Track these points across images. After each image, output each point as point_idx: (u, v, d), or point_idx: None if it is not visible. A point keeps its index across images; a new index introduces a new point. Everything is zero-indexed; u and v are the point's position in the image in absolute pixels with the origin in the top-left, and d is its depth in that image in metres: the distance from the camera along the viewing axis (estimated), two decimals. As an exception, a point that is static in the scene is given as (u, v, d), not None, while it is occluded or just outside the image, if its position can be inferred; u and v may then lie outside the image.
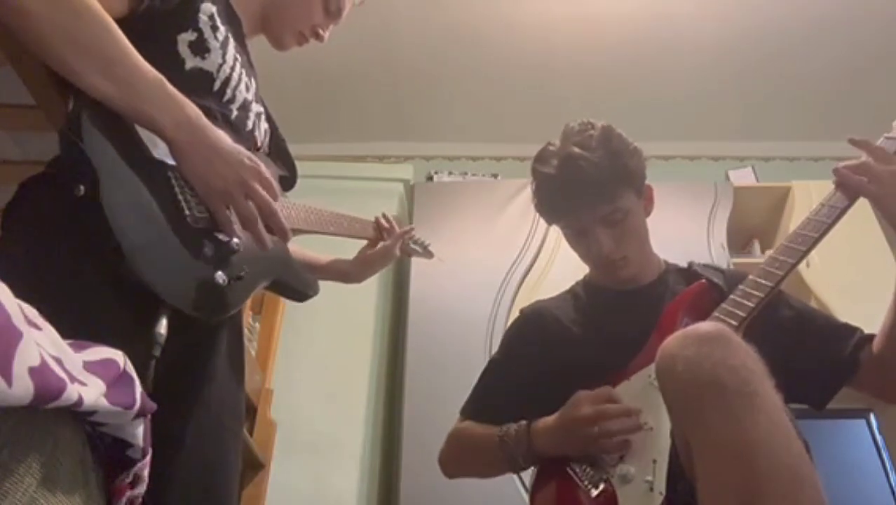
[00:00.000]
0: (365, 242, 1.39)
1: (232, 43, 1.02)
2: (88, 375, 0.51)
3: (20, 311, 0.44)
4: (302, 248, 1.29)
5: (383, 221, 1.39)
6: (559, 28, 2.71)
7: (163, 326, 0.79)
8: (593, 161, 1.16)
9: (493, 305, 2.45)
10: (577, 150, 1.18)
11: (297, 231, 1.17)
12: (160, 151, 0.86)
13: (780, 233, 2.77)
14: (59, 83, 0.86)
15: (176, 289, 0.80)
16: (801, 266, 2.42)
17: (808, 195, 2.65)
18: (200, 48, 0.95)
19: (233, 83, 1.01)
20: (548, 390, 1.15)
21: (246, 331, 1.14)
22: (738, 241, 2.84)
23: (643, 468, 0.95)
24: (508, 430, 1.13)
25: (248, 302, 1.02)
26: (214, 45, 0.97)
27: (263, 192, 0.89)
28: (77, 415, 0.51)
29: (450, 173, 3.18)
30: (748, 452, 0.70)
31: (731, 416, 0.73)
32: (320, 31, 1.21)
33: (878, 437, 2.25)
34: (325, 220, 1.26)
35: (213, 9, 0.99)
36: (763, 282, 1.03)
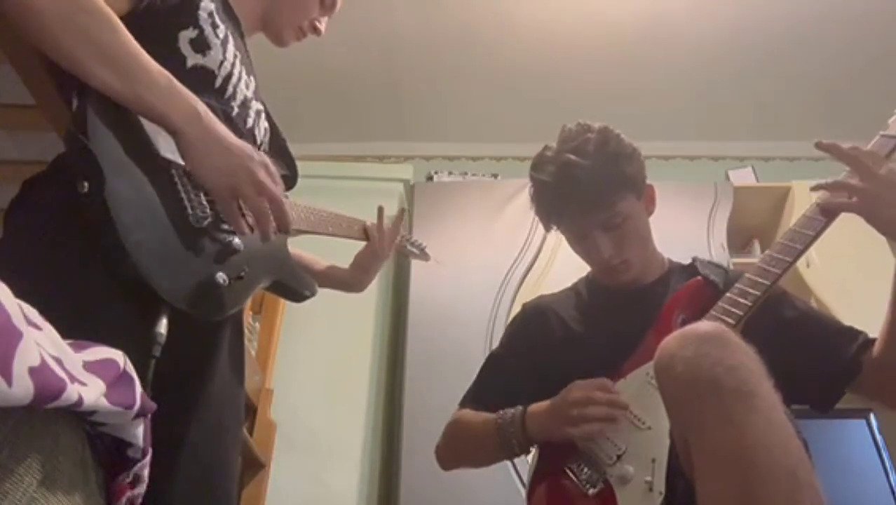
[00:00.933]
0: (363, 244, 1.38)
1: (232, 40, 1.02)
2: (88, 375, 0.51)
3: (20, 311, 0.44)
4: (299, 251, 1.29)
5: (384, 218, 1.37)
6: (559, 28, 2.71)
7: (163, 326, 0.79)
8: (589, 168, 1.16)
9: (493, 306, 2.45)
10: (572, 157, 1.17)
11: (296, 231, 1.17)
12: (165, 149, 0.86)
13: (780, 233, 2.72)
14: (60, 82, 0.87)
15: (177, 288, 0.80)
16: (801, 266, 2.43)
17: (808, 195, 2.63)
18: (201, 45, 0.96)
19: (233, 80, 1.01)
20: (546, 386, 1.15)
21: (246, 331, 1.14)
22: (738, 241, 2.84)
23: (642, 468, 0.95)
24: (505, 414, 1.14)
25: (248, 302, 1.02)
26: (215, 42, 0.97)
27: (273, 187, 0.89)
28: (77, 415, 0.51)
29: (450, 173, 3.18)
30: (746, 451, 0.70)
31: (729, 416, 0.72)
32: (318, 25, 1.22)
33: (878, 437, 2.25)
34: (324, 220, 1.26)
35: (212, 6, 0.99)
36: (760, 280, 1.03)
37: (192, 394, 0.92)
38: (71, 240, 0.79)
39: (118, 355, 0.57)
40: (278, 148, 1.18)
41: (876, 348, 1.09)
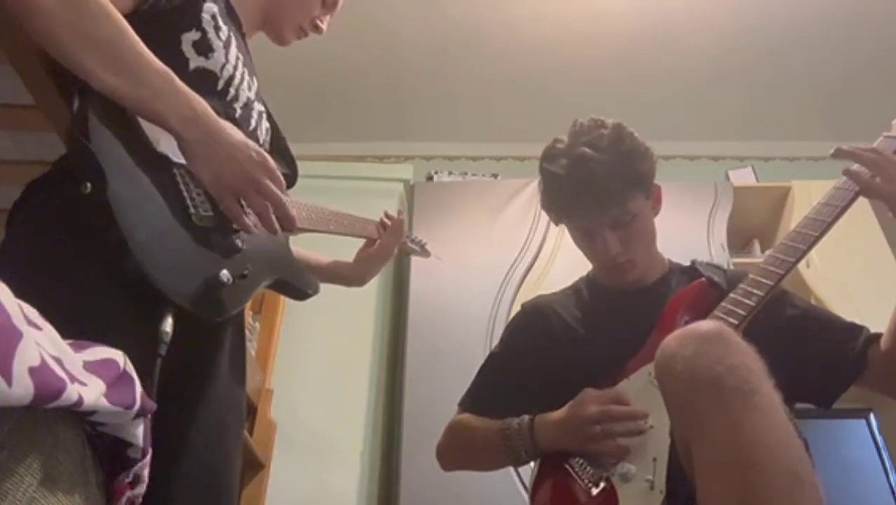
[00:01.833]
0: (362, 242, 1.39)
1: (234, 42, 1.02)
2: (88, 374, 0.51)
3: (20, 311, 0.44)
4: (302, 249, 1.29)
5: (385, 220, 1.39)
6: (559, 28, 2.71)
7: (168, 325, 0.79)
8: (604, 163, 1.15)
9: (493, 305, 2.45)
10: (587, 150, 1.16)
11: (298, 229, 1.18)
12: (167, 148, 0.86)
13: (780, 233, 2.77)
14: (61, 82, 0.87)
15: (180, 287, 0.80)
16: (801, 266, 2.43)
17: (808, 195, 2.65)
18: (204, 48, 0.96)
19: (236, 82, 1.01)
20: (547, 386, 1.15)
21: (246, 331, 1.14)
22: (738, 241, 2.84)
23: (644, 467, 0.95)
24: (511, 424, 1.13)
25: (248, 301, 1.02)
26: (218, 44, 0.97)
27: (273, 186, 0.89)
28: (77, 415, 0.51)
29: (450, 173, 3.18)
30: (747, 451, 0.70)
31: (730, 415, 0.73)
32: (319, 24, 1.22)
33: (878, 437, 2.25)
34: (326, 218, 1.26)
35: (215, 8, 0.99)
36: (763, 281, 1.03)
37: (195, 394, 0.92)
38: (74, 240, 0.79)
39: (118, 355, 0.57)
40: (279, 148, 1.19)
41: (884, 342, 1.09)
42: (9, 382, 0.41)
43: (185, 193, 0.86)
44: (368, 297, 2.54)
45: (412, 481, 2.13)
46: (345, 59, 2.81)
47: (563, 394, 1.09)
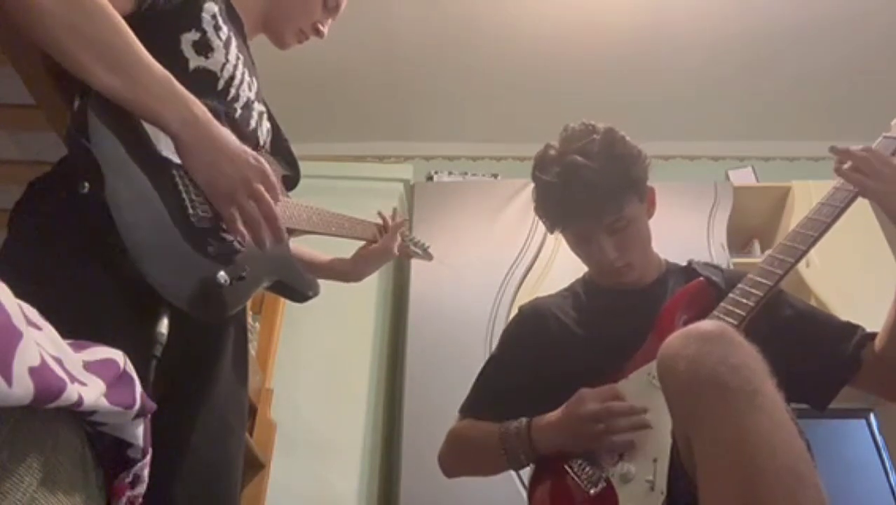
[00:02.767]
0: (362, 242, 1.39)
1: (234, 42, 1.02)
2: (88, 374, 0.51)
3: (20, 311, 0.44)
4: (302, 246, 1.29)
5: (388, 218, 1.39)
6: (559, 28, 2.71)
7: (164, 326, 0.79)
8: (596, 170, 1.14)
9: (493, 305, 2.45)
10: (578, 158, 1.15)
11: (298, 231, 1.18)
12: (166, 148, 0.86)
13: (780, 233, 2.78)
14: (61, 83, 0.86)
15: (178, 288, 0.80)
16: (801, 266, 2.43)
17: (808, 195, 2.66)
18: (204, 48, 0.95)
19: (236, 82, 1.01)
20: (546, 389, 1.14)
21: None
22: (738, 241, 2.84)
23: (644, 467, 0.94)
24: (508, 427, 1.13)
25: (248, 302, 1.02)
26: (218, 44, 0.97)
27: (267, 195, 0.88)
28: (77, 415, 0.51)
29: (450, 173, 3.18)
30: (749, 451, 0.70)
31: (732, 415, 0.72)
32: (320, 27, 1.21)
33: (878, 437, 2.25)
34: (326, 220, 1.26)
35: (216, 8, 0.99)
36: (763, 281, 1.03)
37: (197, 393, 0.92)
38: (73, 240, 0.79)
39: (118, 355, 0.57)
40: (280, 149, 1.19)
41: (879, 342, 1.09)
42: (9, 382, 0.41)
43: (185, 195, 0.86)
44: (369, 297, 2.54)
45: (412, 481, 2.13)
46: (345, 59, 2.81)
47: (562, 395, 1.09)
